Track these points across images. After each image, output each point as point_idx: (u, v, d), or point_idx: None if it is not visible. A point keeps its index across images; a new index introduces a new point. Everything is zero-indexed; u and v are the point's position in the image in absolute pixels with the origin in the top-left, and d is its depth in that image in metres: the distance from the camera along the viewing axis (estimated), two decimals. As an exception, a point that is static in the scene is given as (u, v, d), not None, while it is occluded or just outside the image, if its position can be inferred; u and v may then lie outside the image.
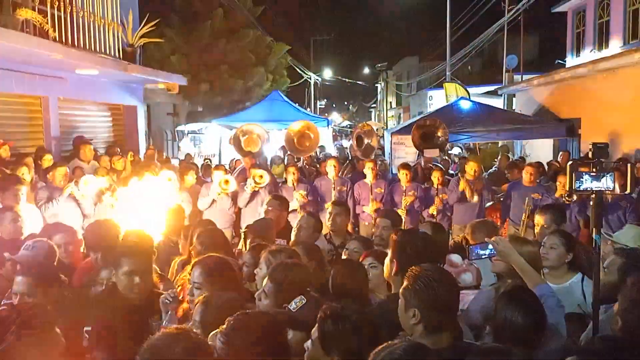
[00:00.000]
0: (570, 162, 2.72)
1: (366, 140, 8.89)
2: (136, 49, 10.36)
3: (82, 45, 8.81)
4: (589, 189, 2.72)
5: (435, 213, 7.47)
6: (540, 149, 14.29)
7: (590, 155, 2.75)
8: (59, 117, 9.73)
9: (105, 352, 2.74)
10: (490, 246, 3.01)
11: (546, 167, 10.76)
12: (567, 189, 2.78)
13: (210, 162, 13.25)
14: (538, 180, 8.41)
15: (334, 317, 2.17)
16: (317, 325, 2.21)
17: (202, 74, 19.28)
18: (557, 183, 7.08)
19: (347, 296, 3.01)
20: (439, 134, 9.06)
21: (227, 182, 7.24)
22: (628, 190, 2.70)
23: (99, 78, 10.36)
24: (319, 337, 2.19)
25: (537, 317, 2.54)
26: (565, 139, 12.77)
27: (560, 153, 12.19)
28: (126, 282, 2.90)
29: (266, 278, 2.85)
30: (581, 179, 2.68)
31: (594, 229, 2.81)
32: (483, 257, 3.09)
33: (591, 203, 2.78)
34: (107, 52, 9.63)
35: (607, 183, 2.67)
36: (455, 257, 4.00)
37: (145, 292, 2.96)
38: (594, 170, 2.71)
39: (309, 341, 2.24)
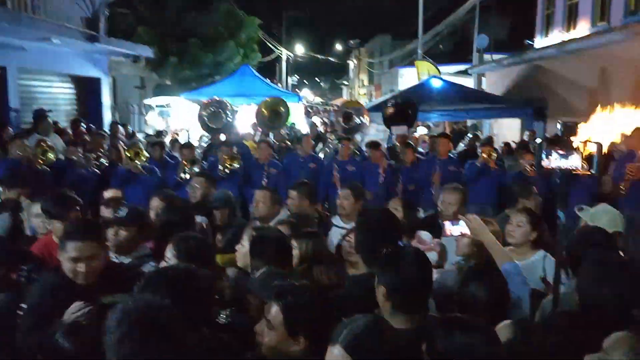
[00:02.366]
0: (539, 141, 2.76)
1: (357, 119, 8.81)
2: (101, 19, 10.01)
3: (43, 14, 8.46)
4: (555, 167, 2.74)
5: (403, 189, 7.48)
6: (508, 129, 14.49)
7: (560, 134, 2.78)
8: (18, 88, 9.38)
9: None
10: (462, 223, 3.05)
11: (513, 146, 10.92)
12: (535, 166, 2.83)
13: (178, 137, 13.01)
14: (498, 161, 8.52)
15: (297, 301, 2.06)
16: (277, 307, 2.06)
17: (170, 47, 18.81)
18: (520, 159, 7.19)
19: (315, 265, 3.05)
20: (410, 111, 9.13)
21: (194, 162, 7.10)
22: (594, 170, 2.72)
23: (61, 48, 9.99)
24: (283, 320, 2.05)
25: (501, 292, 2.58)
26: (532, 119, 12.97)
27: (527, 132, 12.40)
28: (70, 267, 2.73)
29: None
30: (549, 157, 2.71)
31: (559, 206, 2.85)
32: (455, 234, 3.12)
33: (557, 180, 2.82)
34: (70, 21, 9.27)
35: (575, 161, 2.69)
36: (425, 235, 4.03)
37: (93, 276, 2.78)
38: (563, 148, 2.74)
39: (262, 323, 2.10)
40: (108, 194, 4.69)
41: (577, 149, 2.78)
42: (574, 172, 2.70)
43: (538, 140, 9.43)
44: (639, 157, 6.37)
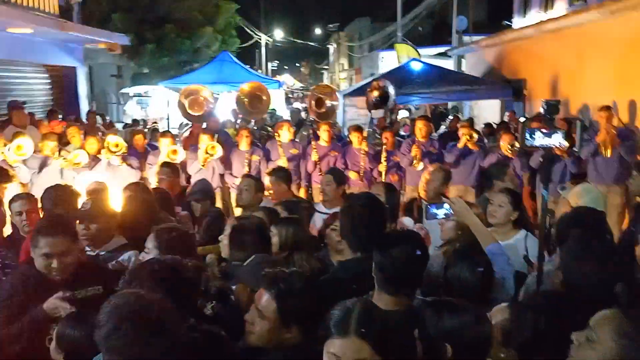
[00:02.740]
0: (523, 120, 2.76)
1: (329, 102, 8.77)
2: (73, 6, 9.77)
3: (14, 2, 8.22)
4: (539, 145, 2.75)
5: (383, 171, 7.49)
6: (488, 110, 14.58)
7: (542, 112, 2.79)
8: (-9, 79, 9.15)
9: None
10: (446, 206, 3.05)
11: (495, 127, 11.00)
12: (519, 144, 2.83)
13: (158, 126, 12.86)
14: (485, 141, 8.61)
15: (286, 281, 2.04)
16: (268, 295, 2.03)
17: (146, 34, 18.49)
18: (500, 140, 7.24)
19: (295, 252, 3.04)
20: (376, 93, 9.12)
21: (175, 152, 7.01)
22: (575, 147, 2.75)
23: (34, 37, 9.74)
24: (276, 309, 2.01)
25: (486, 273, 2.60)
26: (512, 100, 13.06)
27: (507, 113, 12.49)
28: (43, 263, 2.70)
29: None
30: (533, 136, 2.70)
31: (542, 184, 2.87)
32: (439, 217, 3.12)
33: (540, 159, 2.84)
34: (43, 9, 9.04)
35: (558, 140, 2.70)
36: (407, 220, 4.04)
37: (67, 272, 2.75)
38: (546, 127, 2.74)
39: (253, 312, 2.06)
40: (91, 186, 4.61)
41: (559, 127, 2.78)
42: (556, 151, 2.72)
43: (522, 119, 9.55)
44: (602, 131, 6.58)
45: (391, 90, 8.37)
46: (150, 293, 1.80)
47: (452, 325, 1.94)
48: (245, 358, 2.09)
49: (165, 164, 5.51)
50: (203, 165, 7.00)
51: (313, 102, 8.94)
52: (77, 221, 3.30)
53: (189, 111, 8.40)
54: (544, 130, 2.70)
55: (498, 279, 2.71)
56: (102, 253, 3.34)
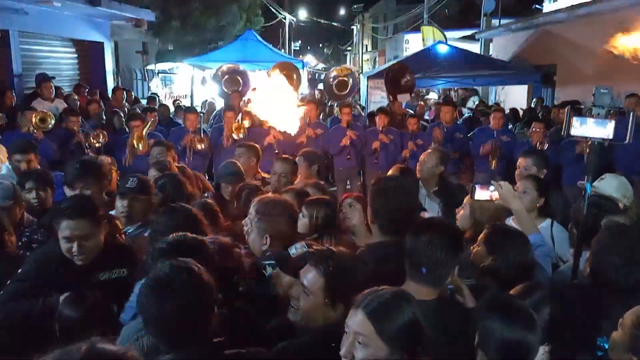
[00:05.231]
0: (568, 106, 2.63)
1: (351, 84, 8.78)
2: (101, -19, 9.80)
3: (43, -25, 8.28)
4: (584, 135, 2.61)
5: (408, 156, 7.44)
6: (515, 96, 14.32)
7: (592, 100, 2.61)
8: (20, 52, 9.25)
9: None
10: (491, 188, 3.02)
11: (521, 114, 10.82)
12: (564, 132, 2.68)
13: (181, 103, 12.93)
14: (510, 127, 8.48)
15: (340, 270, 2.02)
16: (320, 278, 2.03)
17: (172, 10, 18.47)
18: (532, 129, 7.08)
19: (325, 234, 3.01)
20: (408, 77, 9.09)
21: (239, 128, 7.03)
22: (627, 140, 2.57)
23: (62, 11, 9.81)
24: (326, 291, 2.01)
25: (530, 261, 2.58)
26: (540, 86, 12.80)
27: (534, 99, 12.25)
28: (64, 246, 2.66)
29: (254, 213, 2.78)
30: (577, 125, 2.57)
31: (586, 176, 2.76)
32: (483, 197, 3.08)
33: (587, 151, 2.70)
34: (71, -17, 9.09)
35: (606, 130, 2.55)
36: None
37: (88, 256, 2.70)
38: (595, 116, 2.59)
39: (299, 289, 2.08)
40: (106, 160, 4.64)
41: (612, 116, 2.61)
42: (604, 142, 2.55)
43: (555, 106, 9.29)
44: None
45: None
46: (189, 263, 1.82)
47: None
48: (278, 335, 2.09)
49: (158, 142, 5.40)
50: (227, 145, 6.99)
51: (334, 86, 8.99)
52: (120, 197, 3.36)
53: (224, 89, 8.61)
54: (596, 120, 2.54)
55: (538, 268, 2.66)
56: (130, 230, 3.38)
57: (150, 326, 1.77)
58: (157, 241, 2.34)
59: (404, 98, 9.45)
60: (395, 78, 9.16)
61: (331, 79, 9.96)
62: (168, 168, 4.24)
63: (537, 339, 1.87)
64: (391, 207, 2.62)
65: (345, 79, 9.78)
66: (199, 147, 7.02)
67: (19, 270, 2.70)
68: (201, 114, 7.71)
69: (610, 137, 2.57)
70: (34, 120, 6.25)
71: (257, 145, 5.19)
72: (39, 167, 4.55)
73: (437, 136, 7.32)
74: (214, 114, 9.49)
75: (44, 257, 2.73)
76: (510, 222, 3.13)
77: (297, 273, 2.16)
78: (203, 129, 7.38)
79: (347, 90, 9.87)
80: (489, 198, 3.07)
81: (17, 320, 2.51)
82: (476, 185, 3.11)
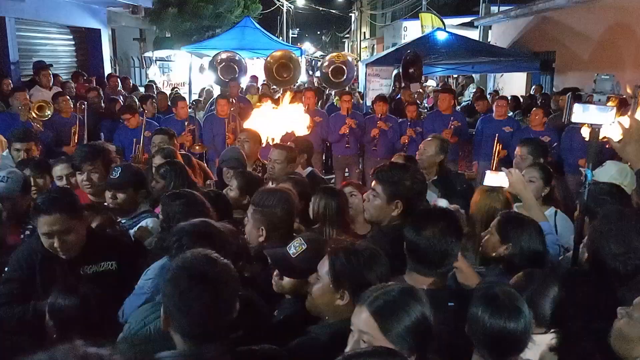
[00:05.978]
0: (569, 93, 2.62)
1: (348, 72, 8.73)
2: (98, -33, 9.71)
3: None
4: (585, 122, 2.59)
5: (406, 142, 7.43)
6: (514, 83, 14.29)
7: (593, 87, 2.59)
8: (16, 39, 9.18)
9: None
10: (502, 174, 3.03)
11: (521, 101, 10.81)
12: (564, 119, 2.67)
13: (179, 90, 12.87)
14: (511, 114, 8.47)
15: (346, 254, 2.00)
16: (327, 261, 2.01)
17: (169, -3, 18.30)
18: (530, 116, 7.08)
19: (328, 223, 3.02)
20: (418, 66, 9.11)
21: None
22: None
23: (58, -2, 9.74)
24: (330, 274, 1.99)
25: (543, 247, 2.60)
26: (539, 73, 12.75)
27: (534, 87, 12.23)
28: (45, 242, 2.58)
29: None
30: (579, 111, 2.54)
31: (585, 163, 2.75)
32: (493, 184, 3.10)
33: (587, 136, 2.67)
34: (67, -31, 9.00)
35: (608, 117, 2.52)
36: (442, 201, 4.00)
37: (71, 250, 2.63)
38: (596, 102, 2.56)
39: (314, 275, 2.05)
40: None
41: (615, 104, 2.56)
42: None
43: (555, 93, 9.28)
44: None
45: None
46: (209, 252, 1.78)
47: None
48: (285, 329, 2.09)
49: (159, 130, 5.32)
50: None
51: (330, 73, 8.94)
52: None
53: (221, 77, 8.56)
54: (599, 106, 2.52)
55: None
56: (124, 221, 3.35)
57: (180, 317, 1.62)
58: (169, 228, 2.32)
59: (415, 87, 9.51)
60: (408, 67, 9.18)
61: (326, 66, 9.91)
62: (174, 155, 4.24)
63: (522, 328, 1.83)
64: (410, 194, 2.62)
65: (341, 65, 9.71)
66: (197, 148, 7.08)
67: (5, 269, 2.64)
68: (193, 103, 7.69)
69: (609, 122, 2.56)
70: (32, 110, 6.22)
71: (258, 132, 5.18)
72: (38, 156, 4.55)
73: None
74: (210, 101, 9.48)
75: (27, 253, 2.65)
76: (515, 209, 3.15)
77: (301, 273, 2.13)
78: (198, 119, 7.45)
79: (344, 78, 9.82)
80: (498, 184, 3.08)
81: (12, 327, 2.48)
82: (487, 171, 3.13)
